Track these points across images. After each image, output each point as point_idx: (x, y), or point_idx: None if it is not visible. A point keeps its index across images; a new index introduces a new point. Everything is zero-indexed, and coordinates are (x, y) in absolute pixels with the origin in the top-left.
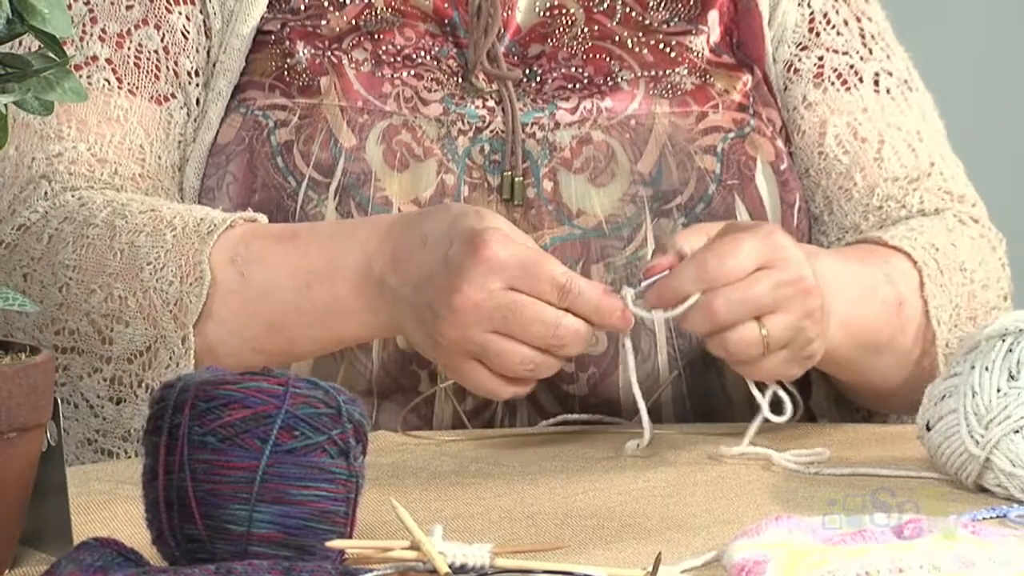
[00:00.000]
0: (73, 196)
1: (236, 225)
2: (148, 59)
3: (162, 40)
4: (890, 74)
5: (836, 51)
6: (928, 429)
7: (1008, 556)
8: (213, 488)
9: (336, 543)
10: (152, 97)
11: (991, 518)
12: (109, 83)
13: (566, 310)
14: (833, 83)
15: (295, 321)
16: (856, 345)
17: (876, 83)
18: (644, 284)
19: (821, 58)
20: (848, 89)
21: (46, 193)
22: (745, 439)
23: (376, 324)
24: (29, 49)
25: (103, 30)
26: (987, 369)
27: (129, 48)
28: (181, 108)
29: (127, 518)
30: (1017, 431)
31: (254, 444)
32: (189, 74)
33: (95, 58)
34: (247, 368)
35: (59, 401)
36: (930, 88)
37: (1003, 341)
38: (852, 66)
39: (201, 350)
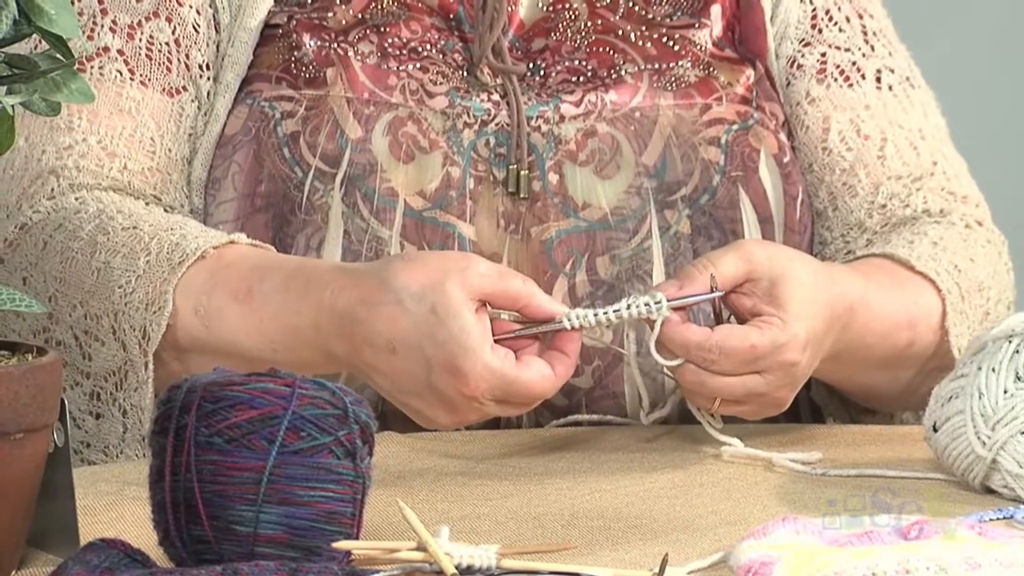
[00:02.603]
0: (75, 199)
1: (207, 256)
2: (160, 51)
3: (173, 33)
4: (892, 71)
5: (839, 48)
6: (935, 430)
7: (1015, 557)
8: (220, 489)
9: (343, 544)
10: (164, 89)
11: (998, 519)
12: (121, 74)
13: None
14: (836, 79)
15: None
16: (846, 371)
17: (878, 80)
18: (674, 301)
19: (824, 54)
20: (851, 85)
21: (52, 190)
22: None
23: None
24: (32, 50)
25: (114, 21)
26: (994, 370)
27: (140, 40)
28: (192, 101)
29: (134, 519)
30: None
31: (261, 445)
32: (200, 67)
33: (107, 49)
34: None
35: (66, 403)
36: (934, 87)
37: (1010, 342)
38: (855, 63)
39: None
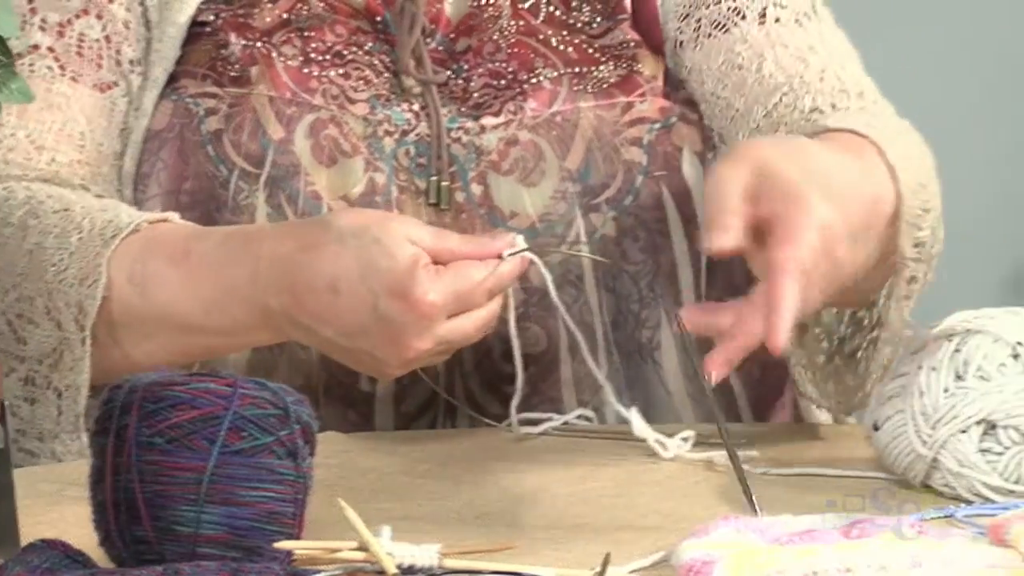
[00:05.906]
0: (3, 188)
1: (141, 229)
2: (90, 48)
3: (103, 29)
4: (783, 7)
5: (715, 3)
6: (876, 429)
7: (955, 556)
8: (161, 489)
9: (284, 544)
10: (95, 85)
11: (939, 518)
12: (51, 70)
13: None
14: (710, 35)
15: (203, 336)
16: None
17: (763, 16)
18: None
19: (699, 20)
20: (727, 31)
21: None
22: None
23: (284, 339)
24: None
25: (43, 20)
26: (934, 369)
27: (71, 37)
28: (123, 96)
29: (75, 520)
30: (964, 431)
31: (202, 445)
32: (131, 63)
33: (37, 46)
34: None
35: (5, 404)
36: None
37: (950, 341)
38: (734, 8)
39: (120, 359)
